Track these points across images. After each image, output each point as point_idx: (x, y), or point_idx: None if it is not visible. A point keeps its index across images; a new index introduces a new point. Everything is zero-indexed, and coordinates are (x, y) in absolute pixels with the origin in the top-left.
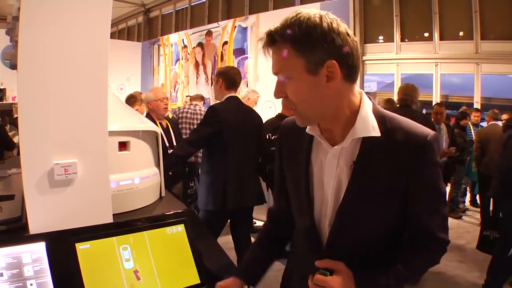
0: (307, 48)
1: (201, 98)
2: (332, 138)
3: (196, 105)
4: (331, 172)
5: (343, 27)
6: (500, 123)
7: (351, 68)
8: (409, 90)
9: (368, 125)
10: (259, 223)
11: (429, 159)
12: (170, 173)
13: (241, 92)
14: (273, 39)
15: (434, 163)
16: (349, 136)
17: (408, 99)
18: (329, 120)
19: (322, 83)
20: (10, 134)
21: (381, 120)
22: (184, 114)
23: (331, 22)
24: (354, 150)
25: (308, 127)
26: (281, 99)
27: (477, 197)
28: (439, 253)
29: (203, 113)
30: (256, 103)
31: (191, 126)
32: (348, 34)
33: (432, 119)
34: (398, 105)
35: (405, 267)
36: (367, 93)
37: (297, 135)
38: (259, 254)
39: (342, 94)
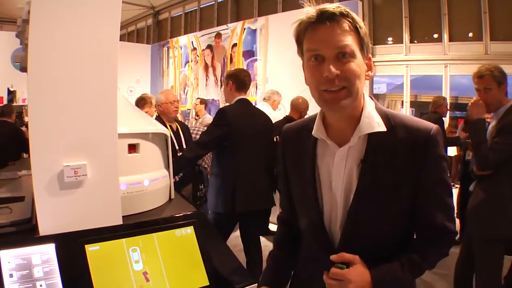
0: (362, 31)
1: (203, 101)
2: (341, 138)
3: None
4: (339, 173)
5: None
6: None
7: None
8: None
9: (373, 121)
10: (271, 226)
11: (433, 153)
12: (177, 179)
13: (254, 93)
14: (332, 15)
15: (439, 156)
16: (355, 135)
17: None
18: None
19: (365, 71)
20: None
21: (385, 118)
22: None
23: None
24: (361, 149)
25: (314, 129)
26: (290, 100)
27: None
28: (448, 245)
29: None
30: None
31: None
32: None
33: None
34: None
35: (419, 257)
36: (375, 94)
37: (301, 139)
38: (282, 259)
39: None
